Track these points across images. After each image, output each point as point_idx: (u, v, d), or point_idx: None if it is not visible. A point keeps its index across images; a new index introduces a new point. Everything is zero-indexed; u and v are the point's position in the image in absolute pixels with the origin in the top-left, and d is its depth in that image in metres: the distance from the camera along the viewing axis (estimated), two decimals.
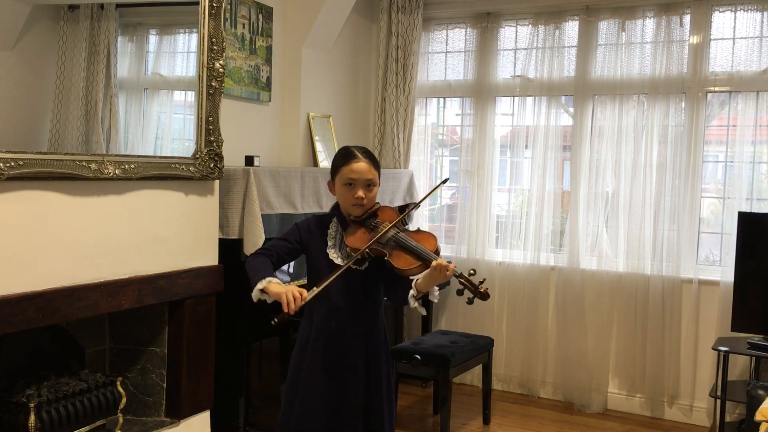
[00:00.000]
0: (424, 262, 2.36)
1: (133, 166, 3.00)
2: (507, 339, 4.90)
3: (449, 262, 2.35)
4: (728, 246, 4.22)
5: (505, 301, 4.91)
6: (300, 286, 2.33)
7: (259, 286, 2.36)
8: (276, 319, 2.30)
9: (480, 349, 4.22)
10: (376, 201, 2.55)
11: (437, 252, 2.41)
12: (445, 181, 2.81)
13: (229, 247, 3.57)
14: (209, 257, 3.43)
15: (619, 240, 4.56)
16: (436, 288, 2.43)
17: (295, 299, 2.26)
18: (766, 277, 3.90)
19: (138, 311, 3.26)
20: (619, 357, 4.60)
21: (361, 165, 2.46)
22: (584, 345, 4.63)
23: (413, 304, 2.43)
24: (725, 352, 3.74)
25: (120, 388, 3.10)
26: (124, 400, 3.11)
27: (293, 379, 2.55)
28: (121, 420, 3.12)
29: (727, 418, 3.88)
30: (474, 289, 2.35)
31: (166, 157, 3.21)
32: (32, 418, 2.70)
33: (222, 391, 3.59)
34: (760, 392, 3.38)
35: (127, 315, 3.27)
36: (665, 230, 4.43)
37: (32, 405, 2.71)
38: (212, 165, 3.37)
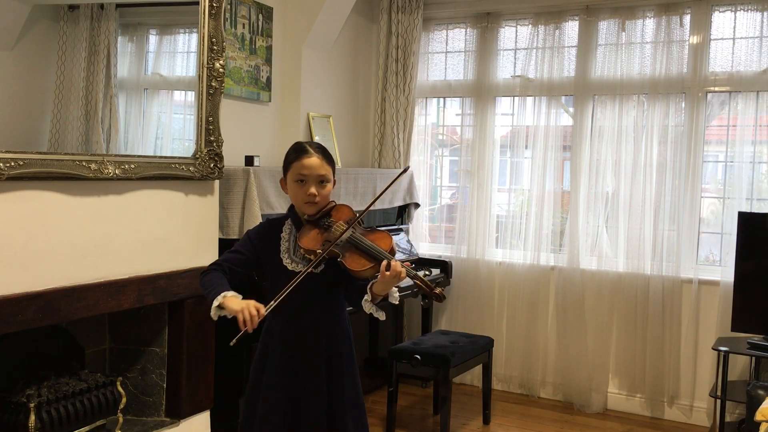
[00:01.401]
0: (378, 262, 2.25)
1: (133, 166, 3.00)
2: (507, 339, 4.90)
3: (403, 262, 2.26)
4: (728, 246, 4.22)
5: (505, 301, 4.91)
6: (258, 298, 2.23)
7: (215, 303, 2.23)
8: (234, 341, 2.18)
9: (480, 349, 4.22)
10: (332, 199, 2.43)
11: (392, 252, 2.31)
12: (405, 170, 2.65)
13: (229, 247, 3.55)
14: (209, 257, 3.43)
15: (619, 240, 4.56)
16: (395, 289, 2.32)
17: (252, 316, 2.15)
18: (766, 277, 3.90)
19: (138, 311, 3.26)
20: (619, 357, 4.60)
21: (312, 160, 2.35)
22: (584, 345, 4.63)
23: (368, 309, 2.31)
24: (725, 352, 3.74)
25: (120, 388, 3.10)
26: (124, 400, 3.11)
27: (253, 389, 2.45)
28: (121, 420, 3.12)
29: (727, 418, 3.88)
30: (429, 291, 2.27)
31: (166, 157, 3.21)
32: (32, 418, 2.70)
33: (222, 391, 3.59)
34: (760, 392, 3.38)
35: (127, 315, 3.27)
36: (665, 230, 4.43)
37: (32, 405, 2.71)
38: (212, 165, 3.37)
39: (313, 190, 2.35)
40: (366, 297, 2.31)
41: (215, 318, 2.28)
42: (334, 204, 2.43)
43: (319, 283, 2.35)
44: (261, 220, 3.53)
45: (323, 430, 2.39)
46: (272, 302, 2.22)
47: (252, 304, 2.19)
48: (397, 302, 2.35)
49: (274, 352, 2.41)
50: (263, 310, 2.19)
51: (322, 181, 2.37)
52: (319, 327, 2.41)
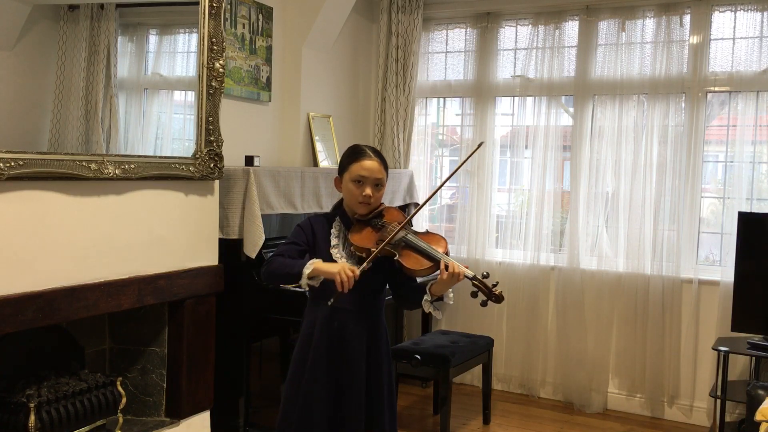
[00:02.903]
0: (435, 263, 2.36)
1: (133, 166, 3.00)
2: (507, 339, 4.90)
3: (462, 266, 2.34)
4: (728, 246, 4.22)
5: (505, 301, 4.87)
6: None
7: (306, 270, 2.33)
8: (332, 300, 2.31)
9: (480, 349, 4.22)
10: (381, 202, 2.55)
11: (447, 253, 2.41)
12: (481, 144, 2.80)
13: (229, 247, 3.57)
14: (209, 257, 3.43)
15: (619, 240, 4.56)
16: (450, 290, 2.42)
17: (348, 278, 2.26)
18: (766, 277, 3.89)
19: (138, 311, 3.26)
20: (619, 357, 4.60)
21: (372, 163, 2.46)
22: (584, 345, 4.63)
23: (428, 308, 2.42)
24: (725, 352, 3.73)
25: (120, 388, 3.10)
26: (124, 400, 3.11)
27: (295, 378, 2.52)
28: (121, 420, 3.12)
29: (727, 418, 3.88)
30: (488, 291, 2.35)
31: (166, 157, 3.21)
32: (32, 418, 2.70)
33: (222, 391, 3.59)
34: (760, 392, 3.38)
35: (127, 315, 3.27)
36: (665, 230, 4.43)
37: (32, 405, 2.71)
38: (212, 165, 3.37)
39: (369, 191, 2.45)
40: (426, 297, 2.41)
41: (306, 287, 2.38)
42: (384, 206, 2.55)
43: (365, 279, 2.40)
44: (261, 220, 3.53)
45: (362, 418, 2.47)
46: (364, 264, 2.33)
47: (346, 266, 2.31)
48: (452, 302, 2.46)
49: (320, 342, 2.48)
50: (357, 271, 2.29)
51: (378, 184, 2.48)
52: (360, 321, 2.48)
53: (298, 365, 2.53)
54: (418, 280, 2.49)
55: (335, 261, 2.43)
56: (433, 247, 2.40)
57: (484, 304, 2.35)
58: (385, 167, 2.52)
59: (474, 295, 2.36)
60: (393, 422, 2.59)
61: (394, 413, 2.61)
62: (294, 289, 3.51)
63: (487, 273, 2.42)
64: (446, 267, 2.32)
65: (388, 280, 2.53)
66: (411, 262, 2.38)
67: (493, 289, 2.35)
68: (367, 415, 2.49)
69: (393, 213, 2.53)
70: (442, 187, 5.37)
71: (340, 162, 2.55)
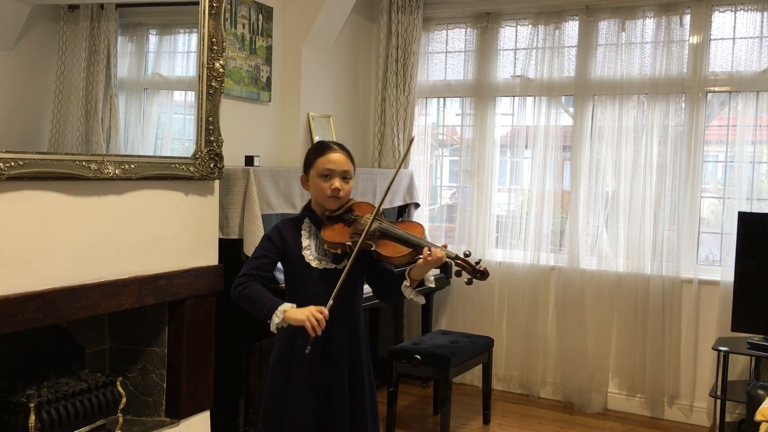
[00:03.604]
0: (414, 248, 2.32)
1: (133, 166, 3.00)
2: (507, 339, 4.90)
3: (441, 245, 2.31)
4: (728, 246, 4.22)
5: (505, 301, 4.91)
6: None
7: (276, 320, 2.29)
8: (309, 348, 2.25)
9: (480, 349, 4.22)
10: (351, 196, 2.49)
11: (425, 238, 2.38)
12: (412, 140, 2.82)
13: (229, 247, 3.57)
14: (209, 257, 3.43)
15: (619, 240, 4.56)
16: (431, 273, 2.39)
17: (318, 321, 2.22)
18: (766, 277, 3.90)
19: (138, 311, 3.26)
20: (619, 357, 4.60)
21: (338, 156, 2.42)
22: (584, 345, 4.63)
23: (409, 294, 2.38)
24: (725, 352, 3.73)
25: (120, 388, 3.10)
26: (124, 400, 3.11)
27: (276, 382, 2.46)
28: (121, 420, 3.12)
29: (727, 418, 3.88)
30: (471, 269, 2.32)
31: (166, 157, 3.21)
32: (32, 418, 2.70)
33: (222, 391, 3.59)
34: (760, 392, 3.38)
35: (127, 315, 3.27)
36: (665, 230, 4.43)
37: (32, 405, 2.71)
38: (212, 165, 3.37)
39: (338, 184, 2.40)
40: (405, 282, 2.37)
41: (275, 331, 2.33)
42: (354, 200, 2.50)
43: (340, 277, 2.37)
44: (261, 220, 3.53)
45: (347, 417, 2.44)
46: (330, 300, 2.27)
47: (313, 309, 2.25)
48: (433, 285, 2.46)
49: (302, 346, 2.42)
50: (325, 311, 2.25)
51: (345, 176, 2.43)
52: (341, 320, 2.44)
53: (280, 370, 2.47)
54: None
55: (309, 264, 2.40)
56: (410, 233, 2.36)
57: (469, 282, 2.31)
58: (352, 160, 2.47)
59: (458, 274, 2.33)
60: (375, 422, 2.54)
61: (375, 413, 2.56)
62: None
63: (469, 251, 2.39)
64: (428, 250, 2.28)
65: (366, 276, 2.48)
66: (389, 250, 2.33)
67: (477, 266, 2.32)
68: (351, 418, 2.46)
69: (363, 206, 2.48)
70: (442, 187, 5.39)
71: (305, 159, 2.49)
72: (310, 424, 2.42)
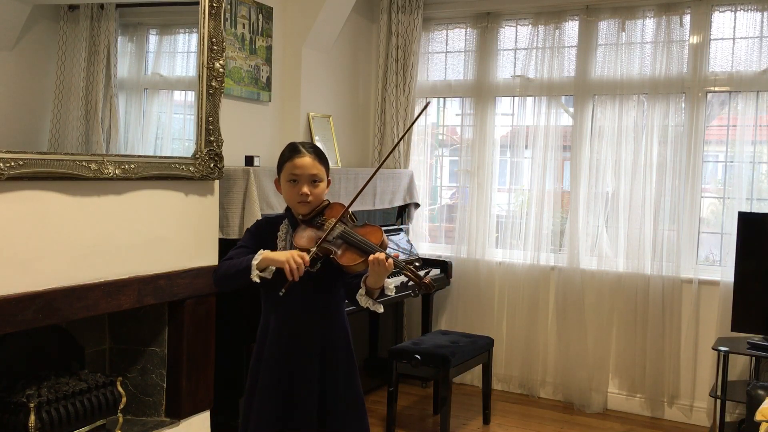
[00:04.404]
0: (368, 256, 2.26)
1: (133, 166, 3.00)
2: (507, 339, 4.90)
3: (391, 254, 2.26)
4: (728, 246, 4.22)
5: (505, 301, 4.91)
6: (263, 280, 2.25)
7: (255, 261, 2.26)
8: (284, 290, 2.23)
9: (480, 349, 4.22)
10: (326, 198, 2.45)
11: (383, 245, 2.31)
12: (428, 104, 2.69)
13: (229, 247, 3.51)
14: (209, 257, 3.43)
15: (619, 240, 4.56)
16: (390, 281, 2.35)
17: (297, 265, 2.20)
18: (766, 277, 3.90)
19: (138, 311, 3.26)
20: (619, 357, 4.60)
21: (304, 160, 2.38)
22: (584, 345, 4.63)
23: (364, 303, 2.34)
24: (725, 352, 3.74)
25: (120, 388, 3.10)
26: (124, 400, 3.11)
27: (251, 389, 2.46)
28: (121, 420, 3.12)
29: (727, 418, 3.88)
30: (418, 280, 2.27)
31: (166, 157, 3.21)
32: (32, 418, 2.70)
33: (222, 391, 3.59)
34: (760, 392, 3.38)
35: (127, 315, 3.27)
36: (665, 230, 4.43)
37: (32, 405, 2.71)
38: (212, 165, 3.37)
39: (305, 189, 2.37)
40: (360, 291, 2.33)
41: (258, 281, 2.29)
42: (327, 203, 2.45)
43: (315, 282, 2.35)
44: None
45: (314, 428, 2.39)
46: (314, 249, 2.26)
47: (295, 252, 2.24)
48: (392, 294, 2.38)
49: (269, 352, 2.42)
50: (306, 257, 2.23)
51: (314, 180, 2.39)
52: (313, 327, 2.41)
53: (253, 376, 2.46)
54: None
55: None
56: (367, 240, 2.30)
57: (415, 294, 2.28)
58: (322, 161, 2.42)
59: (405, 285, 2.30)
60: (361, 423, 2.49)
61: (360, 415, 2.50)
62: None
63: (420, 260, 2.33)
64: (374, 258, 2.23)
65: (339, 281, 2.43)
66: (346, 258, 2.29)
67: (423, 278, 2.26)
68: (321, 426, 2.40)
69: (336, 208, 2.41)
70: (442, 187, 5.39)
71: (277, 163, 2.47)
72: (272, 418, 2.39)
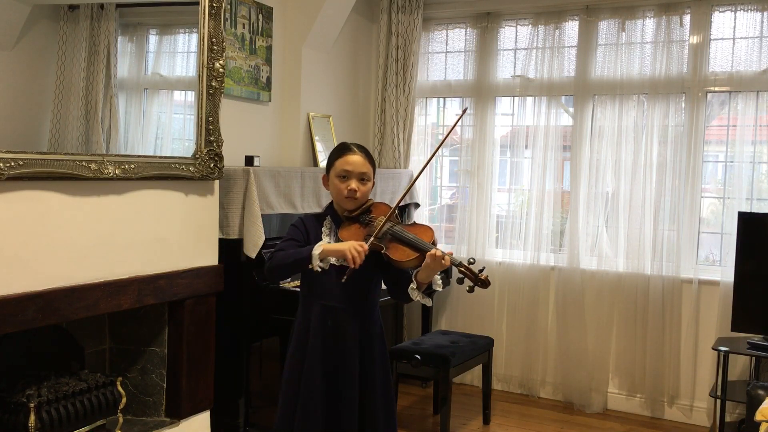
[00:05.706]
0: (422, 253, 2.38)
1: (133, 166, 3.00)
2: (507, 339, 4.90)
3: (446, 252, 2.36)
4: (728, 246, 4.22)
5: (505, 301, 4.91)
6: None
7: (316, 251, 2.35)
8: (345, 277, 2.34)
9: (480, 349, 4.22)
10: (370, 197, 2.57)
11: (434, 243, 2.43)
12: (464, 111, 2.88)
13: (229, 247, 3.57)
14: (209, 257, 3.43)
15: (619, 240, 4.56)
16: (438, 277, 2.46)
17: (358, 253, 2.31)
18: (766, 277, 3.90)
19: (138, 311, 3.26)
20: (619, 357, 4.60)
21: (355, 158, 2.51)
22: (584, 345, 4.63)
23: (415, 296, 2.45)
24: (725, 352, 3.74)
25: (120, 388, 3.10)
26: (124, 400, 3.11)
27: (292, 378, 2.54)
28: (121, 420, 3.12)
29: (727, 418, 3.88)
30: (474, 277, 2.37)
31: (166, 157, 3.21)
32: (32, 418, 2.70)
33: (222, 391, 3.59)
34: (760, 392, 3.38)
35: (127, 315, 3.27)
36: (665, 230, 4.43)
37: (32, 405, 2.71)
38: (212, 165, 3.37)
39: (354, 185, 2.48)
40: (412, 285, 2.44)
41: (319, 270, 2.38)
42: (372, 202, 2.57)
43: (356, 276, 2.42)
44: (261, 220, 3.53)
45: (356, 414, 2.49)
46: (371, 237, 2.39)
47: (354, 242, 2.36)
48: (440, 288, 2.52)
49: (315, 341, 2.51)
50: (366, 246, 2.35)
51: (363, 178, 2.51)
52: (353, 319, 2.51)
53: (295, 364, 2.55)
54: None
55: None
56: (419, 238, 2.42)
57: (470, 290, 2.38)
58: (371, 162, 2.55)
59: (460, 281, 2.39)
60: (390, 423, 2.59)
61: (392, 415, 2.62)
62: (293, 289, 3.51)
63: (474, 259, 2.44)
64: (433, 255, 2.34)
65: (382, 276, 2.56)
66: (398, 254, 2.40)
67: (479, 275, 2.37)
68: (361, 417, 2.51)
69: (381, 207, 2.56)
70: (442, 187, 5.39)
71: (327, 160, 2.59)
72: (318, 417, 2.47)
